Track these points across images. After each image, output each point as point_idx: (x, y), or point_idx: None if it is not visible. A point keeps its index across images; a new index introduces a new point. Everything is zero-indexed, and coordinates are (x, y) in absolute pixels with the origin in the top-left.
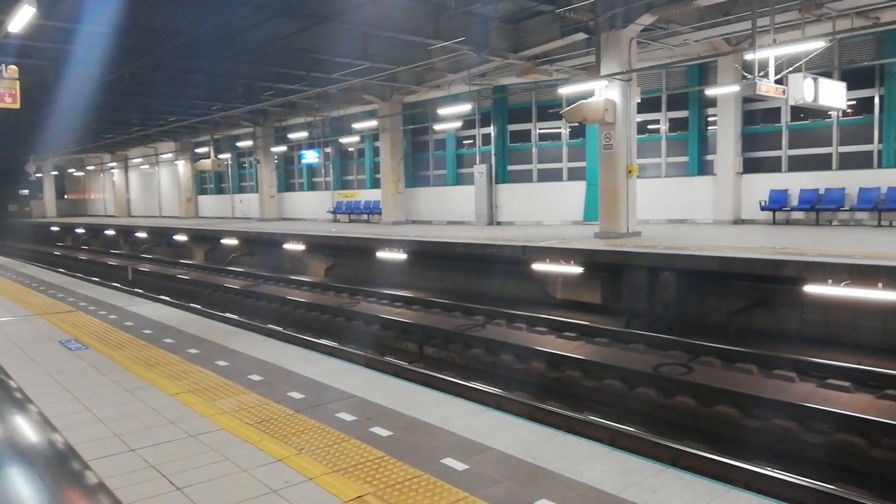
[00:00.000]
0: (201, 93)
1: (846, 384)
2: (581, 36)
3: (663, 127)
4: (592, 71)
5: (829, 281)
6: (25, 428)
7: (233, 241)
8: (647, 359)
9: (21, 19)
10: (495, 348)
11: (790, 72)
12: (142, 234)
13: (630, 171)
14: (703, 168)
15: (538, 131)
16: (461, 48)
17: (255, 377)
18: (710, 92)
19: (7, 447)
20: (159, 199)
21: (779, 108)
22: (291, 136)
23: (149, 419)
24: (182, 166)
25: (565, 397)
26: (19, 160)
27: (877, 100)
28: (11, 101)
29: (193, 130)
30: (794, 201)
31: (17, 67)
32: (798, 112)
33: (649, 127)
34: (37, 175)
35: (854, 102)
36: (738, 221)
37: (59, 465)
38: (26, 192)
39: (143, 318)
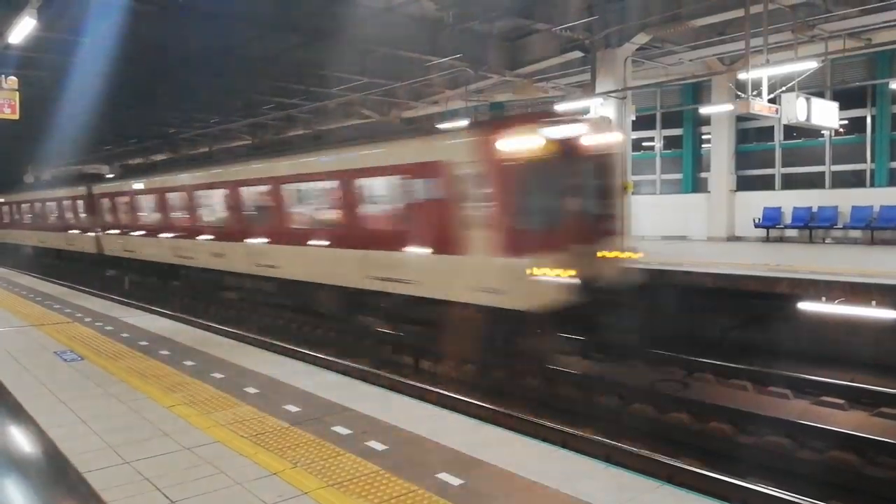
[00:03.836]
0: (201, 106)
1: (840, 401)
2: (577, 54)
3: (658, 144)
4: (588, 89)
5: (823, 298)
6: (20, 438)
7: None
8: (643, 374)
9: (21, 31)
10: None
11: (783, 91)
12: None
13: (625, 188)
14: (698, 185)
15: None
16: (459, 65)
17: (251, 390)
18: (704, 110)
19: (1, 457)
20: None
21: (772, 127)
22: None
23: (143, 431)
24: None
25: (560, 412)
26: (18, 170)
27: (869, 119)
28: (11, 112)
29: (192, 143)
30: (788, 219)
31: (17, 78)
32: (791, 131)
33: (644, 144)
34: None
35: (846, 122)
36: (732, 238)
37: (54, 475)
38: None
39: (139, 330)
